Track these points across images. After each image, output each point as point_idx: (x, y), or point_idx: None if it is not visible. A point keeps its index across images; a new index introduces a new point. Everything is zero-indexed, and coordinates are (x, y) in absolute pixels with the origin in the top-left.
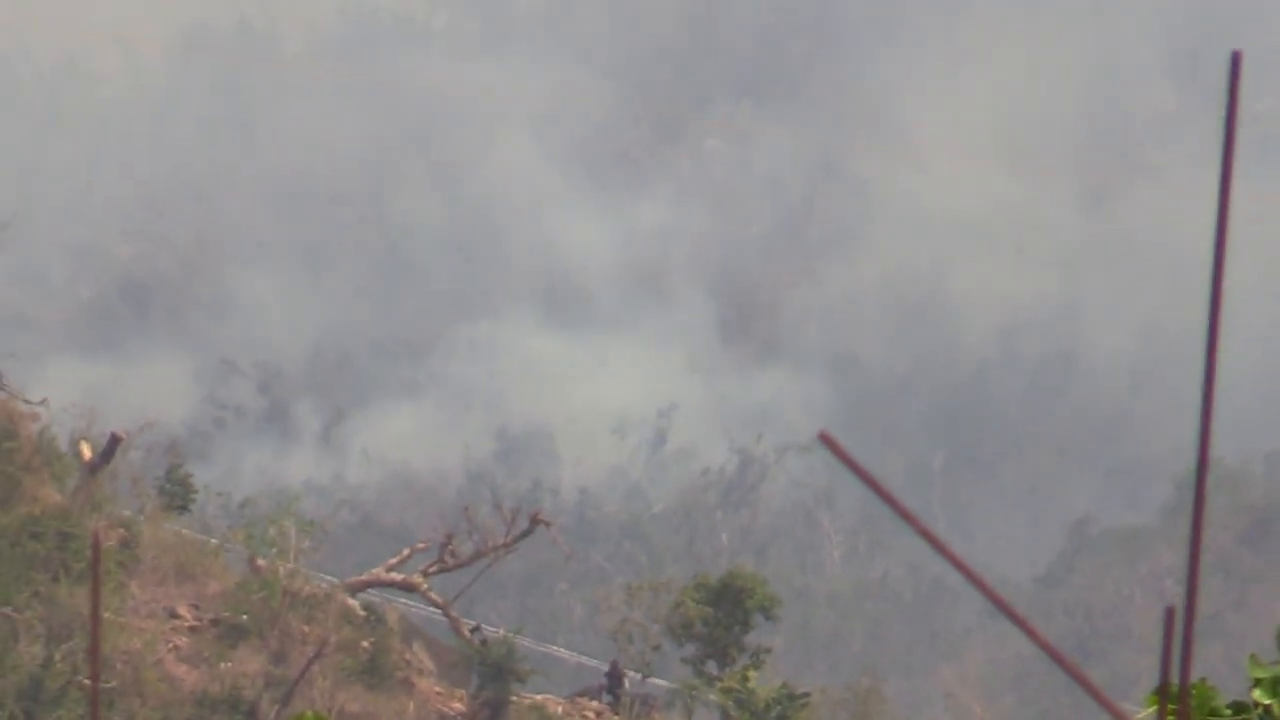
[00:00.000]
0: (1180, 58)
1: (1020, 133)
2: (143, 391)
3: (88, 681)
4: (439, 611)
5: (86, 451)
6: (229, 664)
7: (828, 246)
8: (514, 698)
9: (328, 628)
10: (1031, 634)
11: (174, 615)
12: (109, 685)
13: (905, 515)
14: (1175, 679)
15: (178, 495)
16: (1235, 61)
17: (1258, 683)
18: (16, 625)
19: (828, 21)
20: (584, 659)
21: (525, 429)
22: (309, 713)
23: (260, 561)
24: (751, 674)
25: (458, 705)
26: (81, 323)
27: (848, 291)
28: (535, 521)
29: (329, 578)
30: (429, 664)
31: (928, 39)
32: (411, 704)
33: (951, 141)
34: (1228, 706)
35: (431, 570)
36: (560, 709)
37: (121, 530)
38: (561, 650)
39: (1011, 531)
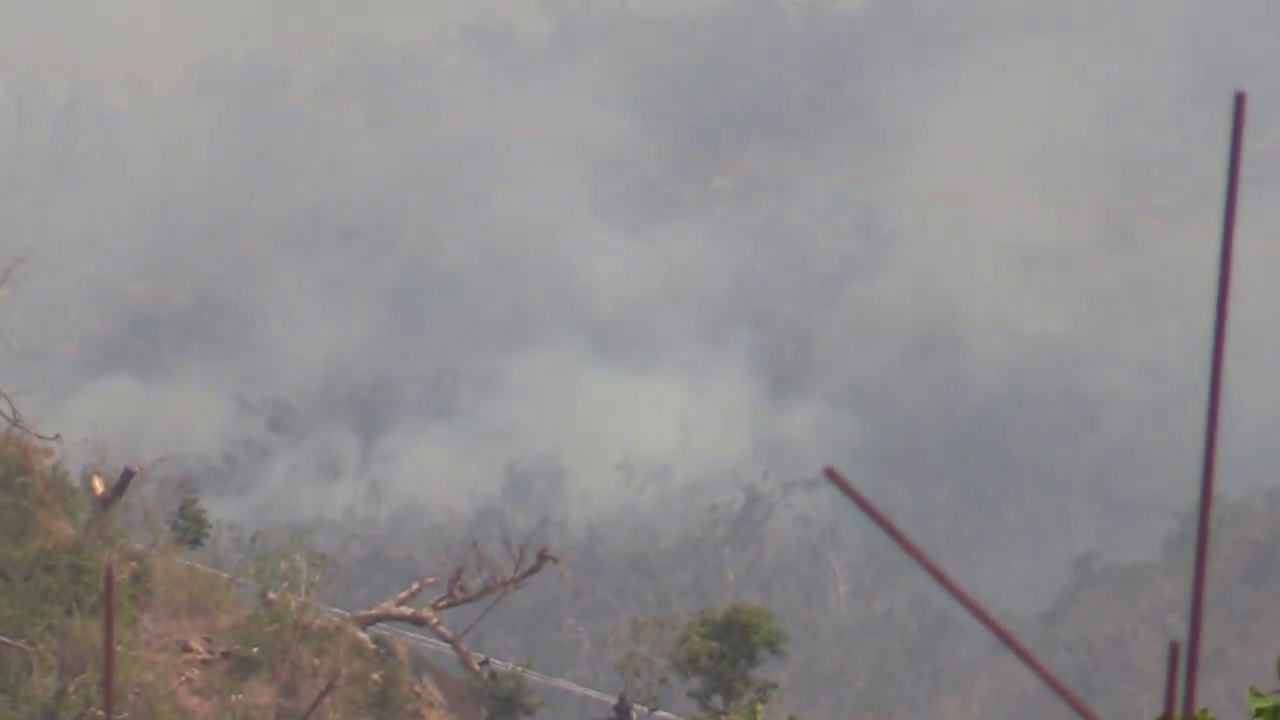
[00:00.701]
0: (1200, 94)
1: (1030, 172)
2: (155, 426)
3: (101, 714)
4: (448, 645)
5: (99, 486)
6: (240, 696)
7: (838, 282)
8: None
9: (338, 660)
10: (1034, 666)
11: (186, 648)
12: (122, 717)
13: (911, 550)
14: (1179, 713)
15: (190, 529)
16: (1239, 101)
17: (1258, 714)
18: (30, 658)
19: (850, 58)
20: (592, 692)
21: (534, 465)
22: None
23: (271, 595)
24: (759, 708)
25: None
26: (95, 358)
27: (857, 327)
28: (543, 557)
29: (340, 611)
30: (439, 697)
31: (944, 74)
32: None
33: (966, 179)
34: None
35: (441, 604)
36: None
37: (134, 564)
38: (570, 683)
39: (1015, 566)
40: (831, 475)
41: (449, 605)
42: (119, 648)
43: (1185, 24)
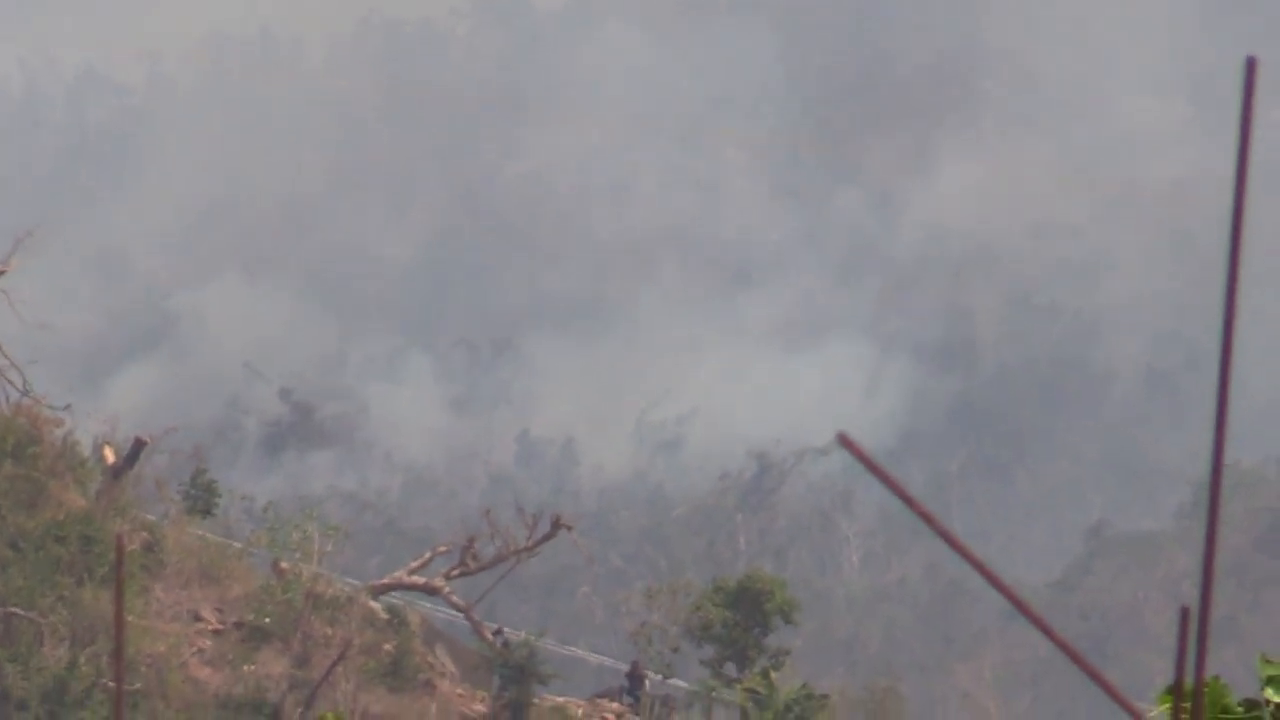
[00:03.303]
0: (1199, 63)
1: (1041, 141)
2: (166, 397)
3: (112, 684)
4: (461, 614)
5: (110, 456)
6: (252, 666)
7: (852, 251)
8: (535, 699)
9: (350, 630)
10: (1046, 630)
11: (198, 618)
12: (133, 688)
13: (925, 516)
14: (1190, 679)
15: (201, 499)
16: (1250, 68)
17: (1269, 680)
18: (41, 628)
19: (867, 29)
20: (605, 660)
21: (546, 433)
22: (331, 715)
23: (283, 565)
24: (773, 675)
25: (480, 707)
26: (106, 330)
27: (868, 298)
28: (556, 525)
29: (352, 581)
30: (451, 666)
31: (956, 44)
32: (434, 706)
33: (977, 149)
34: (1239, 704)
35: (454, 573)
36: (581, 710)
37: (145, 534)
38: (583, 652)
39: (1029, 536)
40: (845, 442)
41: (461, 574)
42: (130, 618)
43: None
